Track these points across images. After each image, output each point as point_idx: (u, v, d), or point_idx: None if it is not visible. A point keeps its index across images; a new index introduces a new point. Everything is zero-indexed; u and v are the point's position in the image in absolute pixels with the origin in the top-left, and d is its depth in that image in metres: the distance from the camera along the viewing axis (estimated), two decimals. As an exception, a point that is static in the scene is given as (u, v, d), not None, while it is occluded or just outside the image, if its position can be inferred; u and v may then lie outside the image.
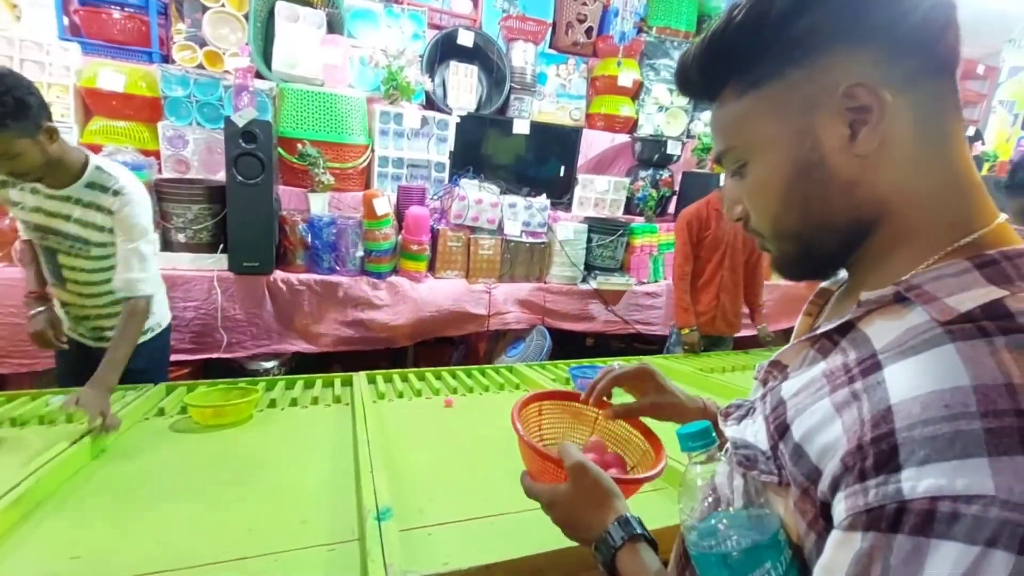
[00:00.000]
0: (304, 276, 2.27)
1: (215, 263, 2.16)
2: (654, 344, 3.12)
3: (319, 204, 2.32)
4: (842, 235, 0.48)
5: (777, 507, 0.43)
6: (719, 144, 0.53)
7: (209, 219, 2.14)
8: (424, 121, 2.56)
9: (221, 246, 2.16)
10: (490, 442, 1.31)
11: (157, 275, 1.66)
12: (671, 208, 3.16)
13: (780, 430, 0.43)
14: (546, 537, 0.83)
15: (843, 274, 0.56)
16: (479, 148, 2.73)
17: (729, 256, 2.36)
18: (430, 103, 2.76)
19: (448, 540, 0.89)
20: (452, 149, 2.65)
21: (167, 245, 2.17)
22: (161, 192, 2.15)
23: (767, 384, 0.52)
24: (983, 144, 4.58)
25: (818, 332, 0.46)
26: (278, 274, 2.24)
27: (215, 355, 2.24)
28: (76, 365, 1.63)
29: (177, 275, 2.13)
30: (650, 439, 0.72)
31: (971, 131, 4.57)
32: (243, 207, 2.09)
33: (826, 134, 0.44)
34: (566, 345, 2.85)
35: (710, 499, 0.47)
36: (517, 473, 1.11)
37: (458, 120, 2.64)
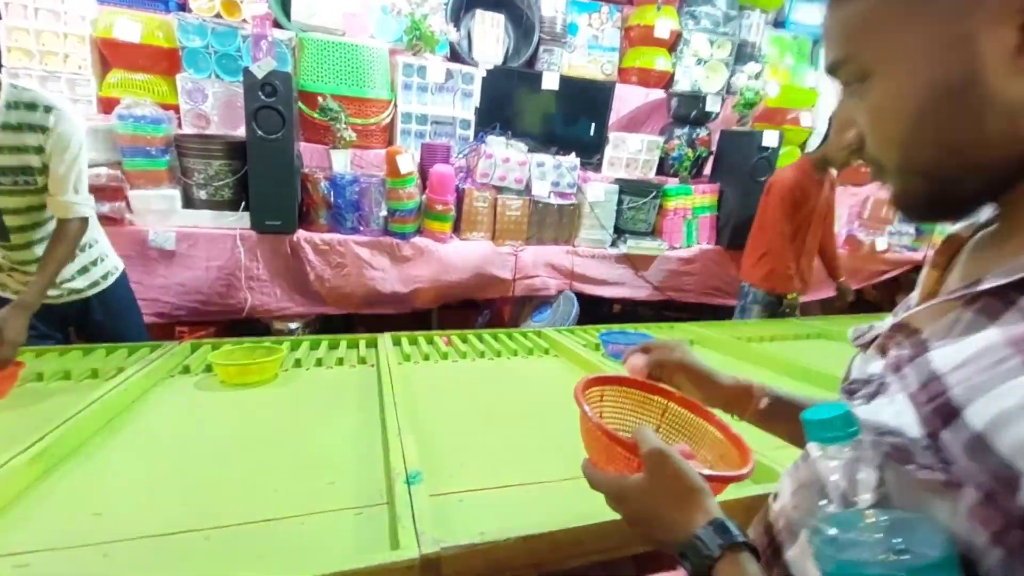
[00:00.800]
0: (327, 236, 2.21)
1: (237, 221, 2.11)
2: (685, 312, 3.02)
3: (341, 161, 2.24)
4: (992, 174, 0.38)
5: (936, 511, 0.34)
6: (834, 52, 0.43)
7: (230, 176, 2.08)
8: (449, 75, 2.43)
9: (243, 204, 2.11)
10: (521, 408, 1.25)
11: (94, 209, 1.53)
12: (707, 169, 2.99)
13: (944, 415, 0.34)
14: (586, 508, 0.77)
15: (979, 216, 0.46)
16: (506, 104, 2.59)
17: (814, 221, 2.36)
18: (455, 56, 2.62)
19: (481, 508, 0.84)
20: (478, 105, 2.52)
21: (188, 202, 2.13)
22: (181, 148, 2.10)
23: (890, 354, 0.43)
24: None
25: (979, 289, 0.37)
26: (301, 233, 2.19)
27: (240, 316, 2.22)
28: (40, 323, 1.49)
29: (199, 232, 2.09)
30: (729, 435, 0.63)
31: None
32: (264, 163, 2.02)
33: (987, 44, 0.34)
34: (593, 311, 2.77)
35: (827, 498, 0.39)
36: (552, 442, 1.05)
37: (484, 74, 2.50)
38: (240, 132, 2.20)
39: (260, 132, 1.96)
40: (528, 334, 1.87)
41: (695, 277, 2.85)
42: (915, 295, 0.50)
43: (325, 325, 2.49)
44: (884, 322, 0.51)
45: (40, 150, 1.35)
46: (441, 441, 1.05)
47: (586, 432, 0.59)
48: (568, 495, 0.87)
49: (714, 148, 2.92)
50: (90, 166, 1.60)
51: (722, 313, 2.93)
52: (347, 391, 1.31)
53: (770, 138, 2.59)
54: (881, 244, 3.20)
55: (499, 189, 2.42)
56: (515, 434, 1.10)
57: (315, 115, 2.21)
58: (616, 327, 1.95)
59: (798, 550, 0.49)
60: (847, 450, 0.38)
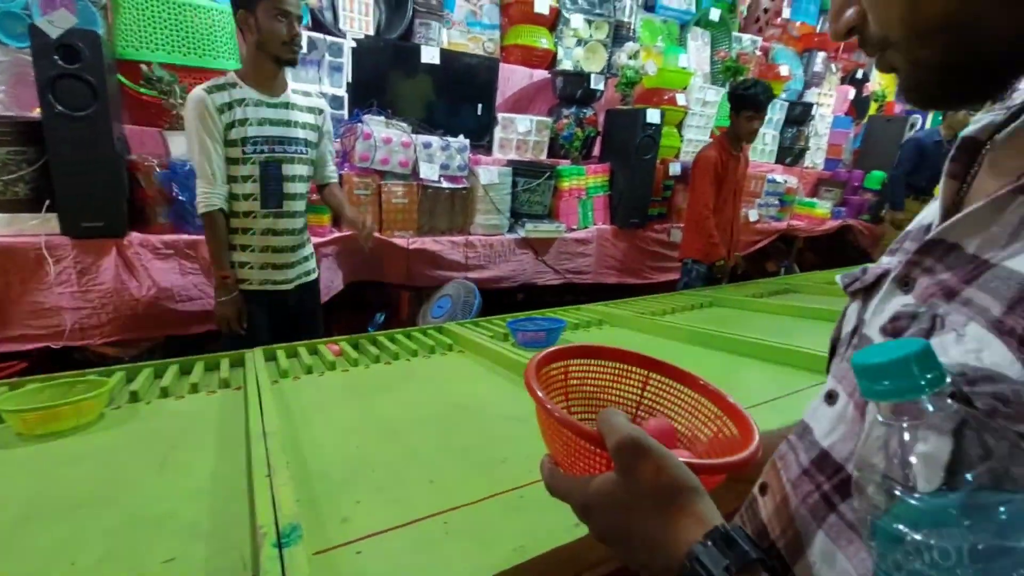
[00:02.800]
0: (170, 237, 1.82)
1: (40, 225, 1.65)
2: (584, 296, 3.00)
3: (181, 146, 1.85)
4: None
5: None
6: None
7: (24, 166, 1.61)
8: (312, 45, 2.13)
9: (48, 203, 1.65)
10: (429, 417, 1.05)
11: None
12: (596, 150, 2.98)
13: None
14: (532, 525, 0.61)
15: (992, 115, 0.38)
16: (383, 81, 2.34)
17: (736, 192, 2.53)
18: (317, 25, 2.31)
19: (389, 556, 0.63)
20: (350, 80, 2.24)
21: (-36, 204, 1.62)
22: (-55, 132, 1.58)
23: (920, 283, 0.32)
24: (869, 84, 4.89)
25: None
26: (134, 236, 1.77)
27: (58, 346, 1.75)
28: (265, 319, 1.65)
29: (-14, 243, 1.60)
30: (725, 406, 0.49)
31: (859, 73, 4.85)
32: (71, 149, 1.59)
33: None
34: (496, 302, 2.63)
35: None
36: (471, 452, 0.88)
37: (354, 44, 2.23)
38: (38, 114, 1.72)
39: (60, 107, 1.53)
40: (428, 331, 1.67)
41: (592, 258, 2.84)
42: (930, 212, 0.40)
43: (182, 351, 2.07)
44: (887, 259, 0.40)
45: (315, 128, 1.68)
46: (329, 475, 0.83)
47: (541, 423, 0.43)
48: (501, 516, 0.70)
49: (601, 128, 2.91)
50: None
51: (621, 292, 2.95)
52: (201, 427, 1.02)
53: (653, 115, 2.63)
54: (753, 215, 3.43)
55: (382, 175, 2.17)
56: (423, 449, 0.91)
57: (140, 89, 1.80)
58: (523, 315, 1.82)
59: (818, 559, 0.36)
60: (926, 407, 0.25)
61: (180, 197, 1.78)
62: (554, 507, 0.66)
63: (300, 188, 1.64)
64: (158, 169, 1.76)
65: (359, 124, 2.08)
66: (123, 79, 1.81)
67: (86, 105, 1.58)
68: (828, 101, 4.41)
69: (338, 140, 2.19)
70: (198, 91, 1.45)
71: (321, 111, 1.69)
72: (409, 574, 0.59)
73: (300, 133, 1.59)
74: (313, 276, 1.78)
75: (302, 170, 1.64)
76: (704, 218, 2.44)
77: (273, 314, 1.66)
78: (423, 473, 0.82)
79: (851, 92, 4.70)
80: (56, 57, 1.52)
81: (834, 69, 4.55)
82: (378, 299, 2.57)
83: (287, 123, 1.57)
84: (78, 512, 0.73)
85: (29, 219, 1.64)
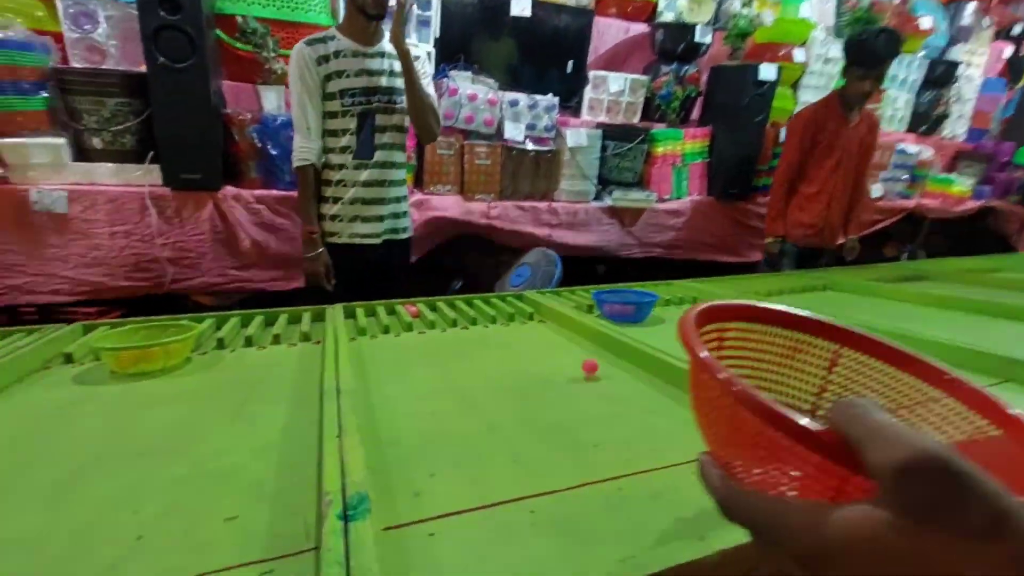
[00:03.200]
0: (260, 192, 1.84)
1: (144, 176, 1.72)
2: (672, 272, 2.77)
3: (273, 100, 1.85)
4: None
5: None
6: None
7: (131, 118, 1.67)
8: (401, -3, 2.05)
9: (151, 154, 1.71)
10: (510, 387, 0.95)
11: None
12: (695, 112, 2.71)
13: None
14: (641, 527, 0.49)
15: None
16: (471, 36, 2.23)
17: (844, 163, 2.12)
18: (407, -22, 2.23)
19: (467, 543, 0.54)
20: (437, 35, 2.15)
21: (81, 153, 1.71)
22: (64, 84, 1.67)
23: None
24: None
25: None
26: (228, 190, 1.81)
27: (159, 293, 1.85)
28: (351, 273, 1.64)
29: (97, 190, 1.69)
30: (973, 399, 0.31)
31: (1017, 28, 4.08)
32: (172, 101, 1.63)
33: None
34: (575, 274, 2.49)
35: None
36: (556, 431, 0.77)
37: (443, -3, 2.13)
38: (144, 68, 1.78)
39: (162, 59, 1.56)
40: (508, 298, 1.57)
41: (685, 232, 2.60)
42: None
43: (269, 303, 2.13)
44: None
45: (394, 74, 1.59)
46: (402, 442, 0.75)
47: (711, 406, 0.30)
48: (598, 511, 0.58)
49: (704, 87, 2.63)
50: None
51: (713, 271, 2.70)
52: (278, 379, 0.99)
53: (767, 71, 2.32)
54: (875, 191, 3.00)
55: (466, 133, 2.08)
56: (504, 424, 0.81)
57: (236, 44, 1.81)
58: (607, 287, 1.67)
59: None
60: None
61: (272, 151, 1.79)
62: (663, 508, 0.53)
63: (395, 139, 1.61)
64: (251, 124, 1.77)
65: (445, 79, 1.99)
66: (220, 33, 1.83)
67: (185, 57, 1.60)
68: (977, 60, 3.75)
69: (423, 97, 2.12)
70: (299, 45, 1.48)
71: (417, 57, 1.64)
72: (492, 570, 0.49)
73: (397, 82, 1.56)
74: (404, 235, 1.74)
75: (398, 120, 1.60)
76: (778, 184, 2.12)
77: (359, 270, 1.65)
78: (504, 450, 0.72)
79: (1007, 50, 3.97)
80: (159, 9, 1.54)
81: (986, 23, 3.85)
82: (455, 265, 2.52)
83: (383, 73, 1.55)
84: (149, 458, 0.70)
85: (134, 169, 1.71)
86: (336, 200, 1.58)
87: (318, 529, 0.54)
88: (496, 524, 0.56)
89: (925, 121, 3.49)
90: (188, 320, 1.24)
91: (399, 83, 1.57)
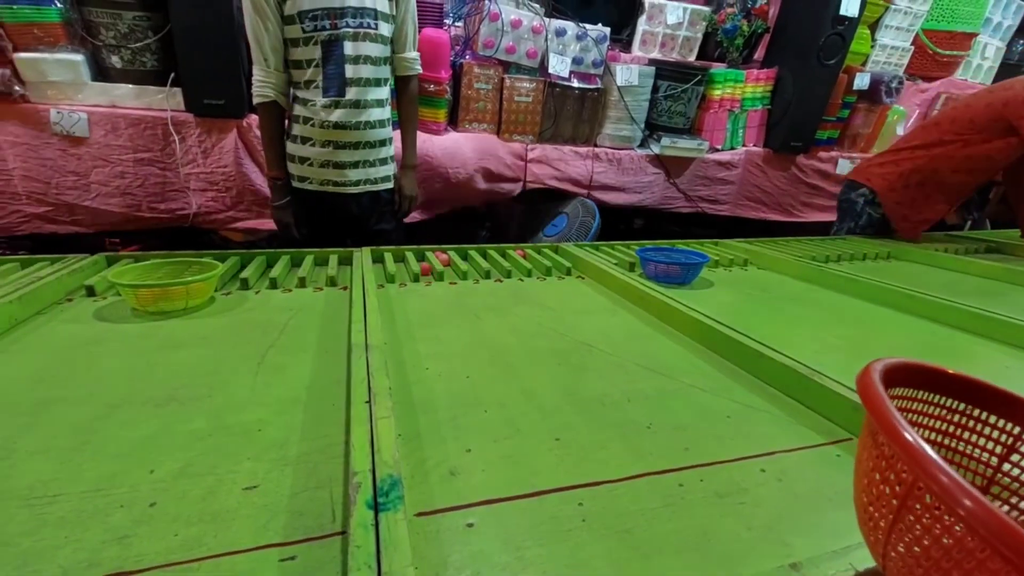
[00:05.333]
0: (287, 121, 1.73)
1: (167, 99, 1.63)
2: (714, 229, 2.61)
3: (300, 20, 1.70)
4: None
5: None
6: None
7: (149, 34, 1.56)
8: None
9: (172, 76, 1.61)
10: (553, 352, 0.88)
11: None
12: (759, 53, 2.44)
13: None
14: (713, 535, 0.42)
15: None
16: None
17: None
18: None
19: (510, 541, 0.47)
20: (479, -50, 1.94)
21: (100, 72, 1.62)
22: (80, -7, 1.56)
23: None
24: None
25: None
26: (253, 118, 1.71)
27: (184, 225, 1.80)
28: (329, 225, 1.50)
29: (119, 113, 1.61)
30: None
31: None
32: (193, 17, 1.51)
33: None
34: (612, 225, 2.36)
35: None
36: (608, 406, 0.70)
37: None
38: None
39: (182, -33, 1.43)
40: (544, 250, 1.48)
41: (735, 185, 2.42)
42: None
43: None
44: None
45: None
46: (435, 408, 0.69)
47: (904, 502, 0.24)
48: (659, 511, 0.51)
49: (772, 24, 2.35)
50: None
51: (759, 231, 2.54)
52: (304, 326, 0.93)
53: (850, 6, 2.04)
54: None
55: (506, 66, 1.91)
56: (544, 394, 0.74)
57: (262, -47, 1.65)
58: (650, 244, 1.56)
59: None
60: None
61: (297, 78, 1.67)
62: (732, 512, 0.46)
63: (368, 72, 1.36)
64: (276, 45, 1.64)
65: (487, 2, 1.80)
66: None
67: (206, -32, 1.46)
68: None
69: (460, 22, 1.94)
70: None
71: None
72: (538, 568, 0.43)
73: (368, 2, 1.30)
74: (385, 186, 1.51)
75: (372, 50, 1.34)
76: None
77: (336, 220, 1.48)
78: (546, 425, 0.65)
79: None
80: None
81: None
82: (486, 212, 2.41)
83: None
84: (168, 407, 0.66)
85: (156, 92, 1.62)
86: (305, 140, 1.38)
87: (344, 515, 0.48)
88: (542, 518, 0.50)
89: (1014, 73, 3.11)
90: (211, 258, 1.19)
91: (369, 3, 1.31)
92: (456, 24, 1.95)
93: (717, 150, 2.32)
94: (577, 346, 0.90)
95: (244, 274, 1.14)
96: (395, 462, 0.50)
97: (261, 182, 1.78)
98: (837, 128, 2.49)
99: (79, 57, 1.55)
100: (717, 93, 2.21)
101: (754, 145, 2.38)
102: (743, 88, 2.24)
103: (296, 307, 1.01)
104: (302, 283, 1.13)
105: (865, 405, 0.28)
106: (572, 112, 2.05)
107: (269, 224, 1.89)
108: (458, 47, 1.92)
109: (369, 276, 1.10)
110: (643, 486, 0.55)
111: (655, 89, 2.14)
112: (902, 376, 0.34)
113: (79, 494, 0.50)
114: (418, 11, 1.82)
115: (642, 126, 2.17)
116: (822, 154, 2.47)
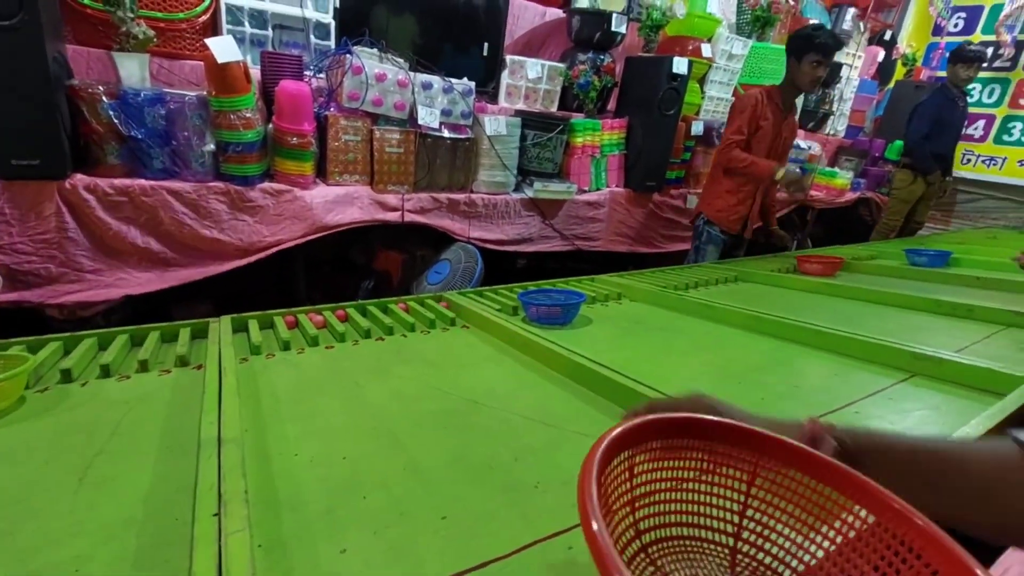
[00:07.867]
0: (122, 182, 1.54)
1: (-40, 161, 1.37)
2: (589, 264, 2.77)
3: (133, 71, 1.55)
4: None
5: None
6: None
7: (-66, 87, 1.31)
8: (293, -41, 1.80)
9: (-32, 134, 1.36)
10: (439, 413, 0.84)
11: None
12: (611, 104, 2.70)
13: None
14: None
15: None
16: (376, 9, 2.02)
17: (772, 155, 2.17)
18: (301, -62, 1.97)
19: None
20: (337, 5, 1.93)
21: None
22: None
23: None
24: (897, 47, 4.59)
25: None
26: (79, 179, 1.50)
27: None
28: None
29: None
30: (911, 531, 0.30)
31: (887, 35, 4.54)
32: (-6, 67, 1.29)
33: None
34: (495, 266, 2.40)
35: None
36: (496, 468, 0.67)
37: (343, -38, 1.91)
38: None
39: (-26, 13, 1.23)
40: (427, 300, 1.44)
41: (604, 223, 2.60)
42: None
43: (144, 311, 1.82)
44: None
45: None
46: (305, 504, 0.61)
47: None
48: (543, 571, 0.49)
49: (619, 78, 2.62)
50: None
51: (629, 262, 2.74)
52: (144, 421, 0.80)
53: (680, 65, 2.35)
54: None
55: (374, 118, 1.89)
56: (430, 465, 0.70)
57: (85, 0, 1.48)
58: (532, 285, 1.60)
59: None
60: None
61: (133, 134, 1.50)
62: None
63: None
64: (106, 99, 1.46)
65: (348, 56, 1.78)
66: (62, -14, 1.50)
67: (10, 13, 1.28)
68: (856, 63, 4.11)
69: (323, 74, 1.89)
70: None
71: None
72: None
73: None
74: None
75: None
76: (733, 144, 2.09)
77: None
78: (433, 502, 0.61)
79: (880, 54, 4.40)
80: (-33, -53, 1.21)
81: (862, 28, 4.24)
82: (366, 262, 2.33)
83: None
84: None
85: (-54, 153, 1.35)
86: None
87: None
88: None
89: (813, 118, 3.78)
90: (22, 348, 0.99)
91: None
92: (318, 76, 1.90)
93: (585, 191, 2.48)
94: (463, 404, 0.87)
95: (66, 363, 0.95)
96: (257, 568, 0.43)
97: (89, 250, 1.55)
98: (683, 168, 2.82)
99: None
100: (579, 140, 2.38)
101: (616, 186, 2.59)
102: (601, 135, 2.45)
103: (134, 398, 0.87)
104: (143, 366, 0.97)
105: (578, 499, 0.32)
106: (446, 161, 2.08)
107: (105, 294, 1.64)
108: (321, 99, 1.87)
109: (228, 351, 0.98)
110: (533, 557, 0.53)
111: (523, 137, 2.25)
112: (651, 431, 0.40)
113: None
114: (276, 65, 1.76)
115: (514, 172, 2.26)
116: (673, 191, 2.77)
